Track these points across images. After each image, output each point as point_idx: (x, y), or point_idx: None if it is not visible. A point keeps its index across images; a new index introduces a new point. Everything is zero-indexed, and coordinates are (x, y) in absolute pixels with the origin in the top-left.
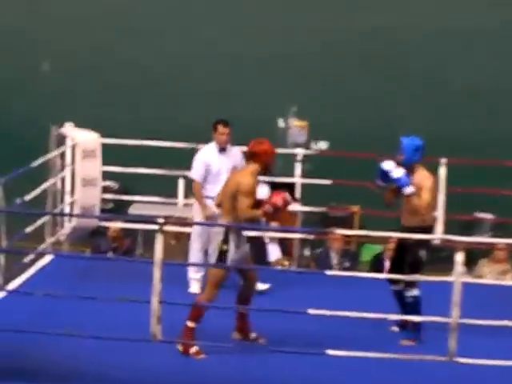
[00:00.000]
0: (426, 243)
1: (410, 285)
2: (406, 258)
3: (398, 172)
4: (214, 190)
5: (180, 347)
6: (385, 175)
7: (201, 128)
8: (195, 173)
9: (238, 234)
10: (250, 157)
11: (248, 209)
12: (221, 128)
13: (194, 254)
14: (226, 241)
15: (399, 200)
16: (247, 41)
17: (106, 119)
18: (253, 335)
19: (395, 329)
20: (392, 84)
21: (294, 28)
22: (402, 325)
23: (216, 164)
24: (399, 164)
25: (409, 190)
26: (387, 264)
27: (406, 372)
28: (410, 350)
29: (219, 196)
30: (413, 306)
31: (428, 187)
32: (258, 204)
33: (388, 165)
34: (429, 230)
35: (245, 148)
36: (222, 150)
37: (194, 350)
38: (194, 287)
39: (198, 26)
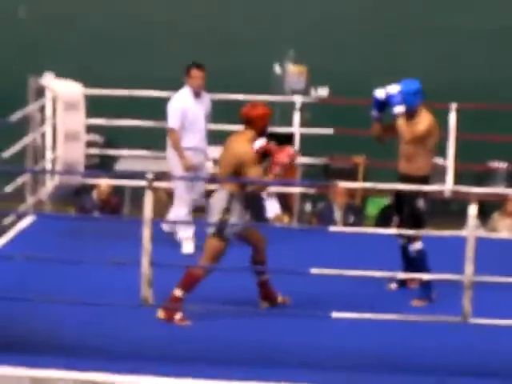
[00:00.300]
0: (422, 193)
1: (411, 238)
2: (404, 209)
3: (393, 88)
4: (192, 138)
5: (162, 314)
6: (379, 104)
7: None
8: (172, 121)
9: (241, 202)
10: (245, 122)
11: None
12: (195, 71)
13: (181, 211)
14: (227, 210)
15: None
16: None
17: (89, 69)
18: (279, 298)
19: (393, 286)
20: (397, 25)
21: None
22: (402, 281)
23: (192, 110)
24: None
25: (398, 108)
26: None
27: (416, 334)
28: (420, 310)
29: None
30: (418, 262)
31: (426, 124)
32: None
33: (380, 92)
34: (426, 179)
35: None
36: (197, 95)
37: (178, 316)
38: (187, 247)
39: None
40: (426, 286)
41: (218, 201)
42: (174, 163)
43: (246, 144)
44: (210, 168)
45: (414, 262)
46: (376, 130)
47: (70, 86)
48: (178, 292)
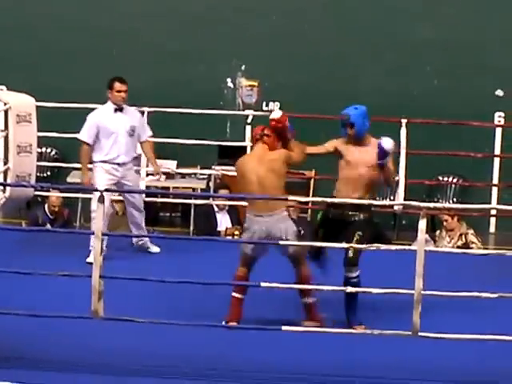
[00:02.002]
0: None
1: (356, 264)
2: (351, 231)
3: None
4: (112, 151)
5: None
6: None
7: (147, 89)
8: (83, 134)
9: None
10: (261, 137)
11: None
12: (117, 85)
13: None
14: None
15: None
16: None
17: (42, 82)
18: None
19: None
20: (348, 40)
21: None
22: None
23: (111, 124)
24: (351, 137)
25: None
26: None
27: (367, 349)
28: (370, 324)
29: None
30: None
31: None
32: None
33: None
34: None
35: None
36: (118, 109)
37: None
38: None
39: None
40: (355, 310)
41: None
42: (95, 174)
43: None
44: (137, 181)
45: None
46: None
47: (22, 98)
48: (309, 300)
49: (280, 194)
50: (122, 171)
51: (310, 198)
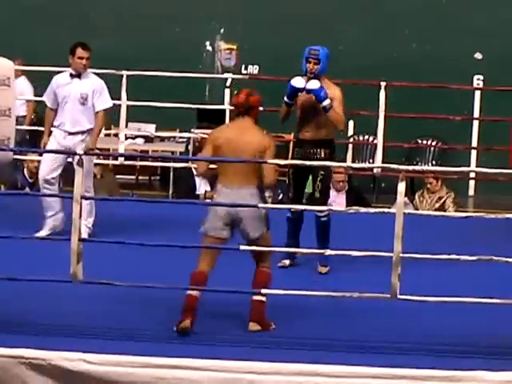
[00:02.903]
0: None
1: (324, 203)
2: (317, 174)
3: (314, 84)
4: (59, 117)
5: (255, 327)
6: (294, 92)
7: (125, 53)
8: (46, 98)
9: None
10: (246, 111)
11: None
12: (80, 51)
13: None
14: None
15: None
16: None
17: (20, 45)
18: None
19: (286, 262)
20: (328, 2)
21: None
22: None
23: (63, 90)
24: (310, 74)
25: (327, 102)
26: (333, 194)
27: (344, 311)
28: (349, 287)
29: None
30: (327, 227)
31: (341, 98)
32: None
33: (298, 82)
34: (333, 142)
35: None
36: (76, 75)
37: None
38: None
39: None
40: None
41: (250, 199)
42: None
43: (263, 135)
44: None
45: (323, 228)
46: (286, 113)
47: (0, 61)
48: (262, 298)
49: (253, 171)
50: (71, 140)
51: (288, 161)
